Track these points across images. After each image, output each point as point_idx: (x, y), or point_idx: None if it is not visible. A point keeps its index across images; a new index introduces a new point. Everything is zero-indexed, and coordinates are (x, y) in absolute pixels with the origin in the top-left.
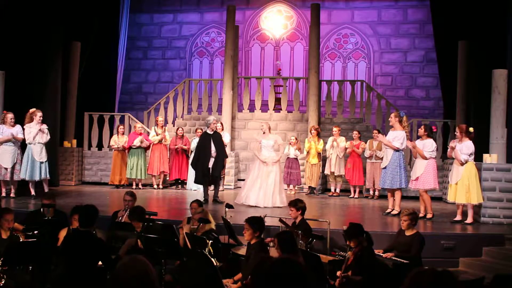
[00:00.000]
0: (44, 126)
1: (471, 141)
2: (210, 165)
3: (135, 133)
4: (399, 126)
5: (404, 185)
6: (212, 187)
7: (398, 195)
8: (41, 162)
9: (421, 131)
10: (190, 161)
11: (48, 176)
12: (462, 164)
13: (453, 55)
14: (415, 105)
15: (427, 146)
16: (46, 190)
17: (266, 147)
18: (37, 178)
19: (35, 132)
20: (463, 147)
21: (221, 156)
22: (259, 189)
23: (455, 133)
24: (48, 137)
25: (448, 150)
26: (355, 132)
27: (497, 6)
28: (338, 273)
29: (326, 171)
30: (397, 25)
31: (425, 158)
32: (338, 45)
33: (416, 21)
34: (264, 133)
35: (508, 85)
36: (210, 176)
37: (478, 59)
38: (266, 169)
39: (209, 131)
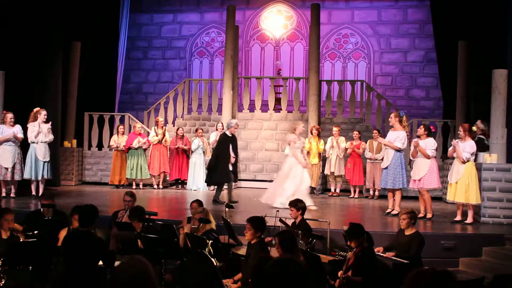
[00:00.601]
0: (48, 125)
1: (473, 141)
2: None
3: (134, 133)
4: (399, 126)
5: (405, 185)
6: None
7: (398, 195)
8: (45, 162)
9: (421, 131)
10: (190, 160)
11: (49, 176)
12: (463, 162)
13: (453, 55)
14: (415, 105)
15: (429, 144)
16: (41, 191)
17: (299, 149)
18: (39, 177)
19: (38, 131)
20: (466, 146)
21: (237, 159)
22: (296, 191)
23: (458, 132)
24: (52, 136)
25: (450, 149)
26: (355, 132)
27: (497, 6)
28: (339, 273)
29: (326, 171)
30: (397, 25)
31: (428, 157)
32: (338, 45)
33: (416, 21)
34: (299, 134)
35: (508, 85)
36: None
37: (478, 59)
38: (302, 171)
39: (229, 134)
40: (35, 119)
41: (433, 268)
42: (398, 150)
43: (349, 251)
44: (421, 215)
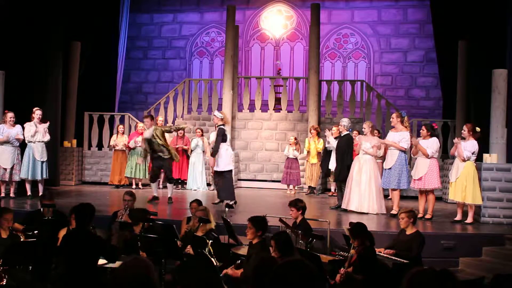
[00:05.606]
0: (45, 125)
1: (476, 141)
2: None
3: (136, 132)
4: (401, 127)
5: (407, 186)
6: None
7: (397, 195)
8: (42, 162)
9: (424, 132)
10: (189, 160)
11: (47, 176)
12: (463, 160)
13: (453, 55)
14: (415, 105)
15: (432, 144)
16: (41, 191)
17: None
18: (38, 177)
19: (35, 130)
20: (468, 145)
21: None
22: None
23: (462, 131)
24: (49, 136)
25: (452, 148)
26: (355, 132)
27: (497, 6)
28: (342, 270)
29: (331, 166)
30: (397, 25)
31: (427, 156)
32: (338, 45)
33: (416, 21)
34: (365, 134)
35: (508, 85)
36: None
37: (478, 59)
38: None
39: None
40: (32, 118)
41: (432, 267)
42: (403, 151)
43: (352, 249)
44: (420, 215)
